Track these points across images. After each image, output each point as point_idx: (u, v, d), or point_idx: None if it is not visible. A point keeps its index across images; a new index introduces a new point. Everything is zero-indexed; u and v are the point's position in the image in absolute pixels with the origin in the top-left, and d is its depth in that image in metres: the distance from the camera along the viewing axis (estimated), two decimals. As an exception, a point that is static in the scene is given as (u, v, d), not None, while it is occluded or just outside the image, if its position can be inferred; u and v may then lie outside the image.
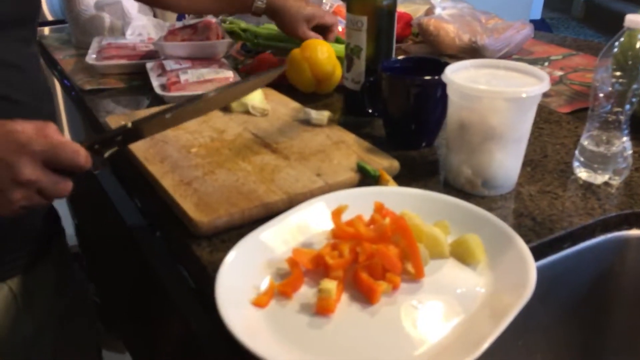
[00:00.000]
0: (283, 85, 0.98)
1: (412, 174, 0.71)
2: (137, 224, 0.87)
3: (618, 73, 0.63)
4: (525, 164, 0.68)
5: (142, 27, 1.18)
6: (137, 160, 0.70)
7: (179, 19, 1.28)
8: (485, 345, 0.42)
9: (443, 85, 0.66)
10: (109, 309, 0.86)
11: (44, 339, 0.76)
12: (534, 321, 0.60)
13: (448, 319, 0.47)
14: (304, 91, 0.97)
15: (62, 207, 1.37)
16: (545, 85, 0.61)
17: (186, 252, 0.60)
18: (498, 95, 0.61)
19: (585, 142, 0.69)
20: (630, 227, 0.63)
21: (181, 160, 0.69)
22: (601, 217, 0.62)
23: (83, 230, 0.88)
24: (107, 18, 1.20)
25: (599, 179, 0.68)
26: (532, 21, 1.17)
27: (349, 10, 0.82)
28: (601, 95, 0.66)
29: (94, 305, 0.87)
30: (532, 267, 0.49)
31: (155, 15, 1.29)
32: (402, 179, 0.69)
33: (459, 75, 0.64)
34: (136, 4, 1.20)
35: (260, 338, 0.46)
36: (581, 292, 0.65)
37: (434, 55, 1.12)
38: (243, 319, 0.47)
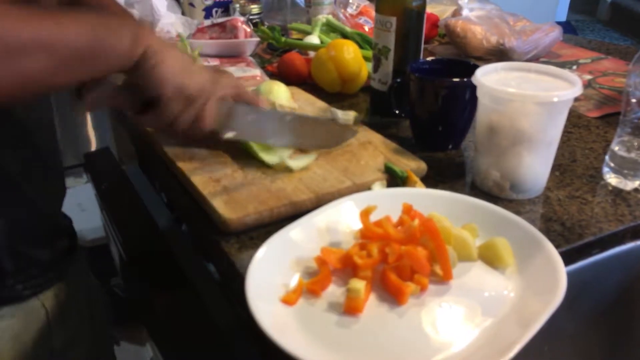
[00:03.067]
0: (308, 85, 0.99)
1: (439, 176, 0.71)
2: (164, 218, 0.88)
3: (652, 78, 0.63)
4: (553, 168, 0.68)
5: (171, 25, 1.19)
6: (166, 156, 0.72)
7: (207, 17, 1.30)
8: (514, 351, 0.42)
9: (472, 88, 0.65)
10: (133, 301, 0.88)
11: (73, 351, 0.75)
12: (560, 327, 0.60)
13: (476, 322, 0.47)
14: (329, 91, 0.97)
15: (90, 201, 1.39)
16: (577, 90, 0.60)
17: (214, 249, 0.61)
18: (529, 98, 0.60)
19: (616, 147, 0.68)
20: (660, 234, 0.63)
21: (210, 158, 0.70)
22: (631, 224, 0.61)
23: (111, 223, 0.89)
24: (136, 15, 1.21)
25: (630, 185, 0.67)
26: (557, 23, 1.16)
27: (378, 10, 0.83)
28: (634, 100, 0.65)
29: (109, 303, 0.87)
30: (562, 272, 0.49)
31: (183, 13, 1.31)
32: (429, 180, 0.69)
33: (489, 78, 0.64)
34: (165, 2, 1.21)
35: (289, 335, 0.46)
36: (609, 299, 0.65)
37: (461, 57, 1.12)
38: (272, 315, 0.47)
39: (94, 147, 2.76)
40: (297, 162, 0.67)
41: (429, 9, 1.29)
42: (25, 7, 0.49)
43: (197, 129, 0.62)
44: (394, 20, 0.81)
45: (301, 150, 0.71)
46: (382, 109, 0.88)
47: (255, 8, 1.31)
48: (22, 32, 0.47)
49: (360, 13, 1.22)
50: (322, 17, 1.18)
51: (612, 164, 0.69)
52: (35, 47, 0.48)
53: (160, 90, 0.56)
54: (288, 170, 0.66)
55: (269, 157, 0.67)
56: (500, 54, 1.08)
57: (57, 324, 0.70)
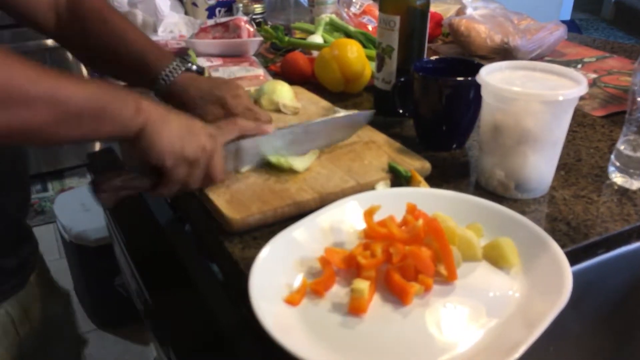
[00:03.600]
0: (311, 84, 0.99)
1: (443, 176, 0.70)
2: (167, 217, 0.88)
3: (658, 77, 0.62)
4: (558, 167, 0.67)
5: (174, 24, 1.19)
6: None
7: (210, 16, 1.30)
8: (520, 352, 0.42)
9: (476, 87, 0.65)
10: (136, 300, 0.88)
11: (45, 355, 0.76)
12: (566, 327, 0.60)
13: (481, 323, 0.47)
14: (333, 90, 0.97)
15: (94, 202, 1.39)
16: (582, 89, 0.60)
17: (218, 248, 0.60)
18: (534, 97, 0.60)
19: (621, 146, 0.68)
20: (667, 234, 0.62)
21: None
22: (637, 224, 0.61)
23: (114, 223, 0.89)
24: (139, 15, 1.21)
25: (635, 184, 0.67)
26: (561, 22, 1.15)
27: (381, 9, 0.82)
28: (639, 99, 0.65)
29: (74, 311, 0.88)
30: (568, 273, 0.49)
31: (186, 13, 1.31)
32: (433, 180, 0.68)
33: (494, 77, 0.64)
34: (168, 1, 1.21)
35: (293, 335, 0.46)
36: (614, 299, 0.64)
37: (465, 56, 1.12)
38: (276, 315, 0.47)
39: (97, 147, 2.77)
40: (301, 163, 0.67)
41: (432, 8, 1.28)
42: (32, 62, 0.50)
43: (211, 183, 0.63)
44: (397, 19, 0.80)
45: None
46: (385, 108, 0.88)
47: (258, 7, 1.31)
48: (30, 85, 0.49)
49: (364, 12, 1.21)
50: (326, 16, 1.17)
51: (617, 163, 0.68)
52: (38, 100, 0.49)
53: (162, 162, 0.57)
54: (293, 171, 0.66)
55: (273, 158, 0.67)
56: (504, 53, 1.08)
57: (25, 331, 0.70)
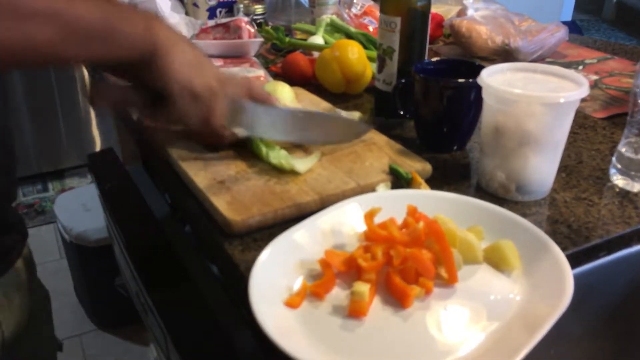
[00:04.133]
0: (312, 85, 0.98)
1: (443, 178, 0.70)
2: (167, 219, 0.88)
3: (660, 79, 0.62)
4: (559, 169, 0.67)
5: (175, 25, 1.19)
6: (170, 157, 0.71)
7: (211, 17, 1.30)
8: (521, 355, 0.42)
9: (477, 88, 0.65)
10: (135, 300, 0.88)
11: (25, 344, 0.75)
12: (567, 330, 0.59)
13: (482, 326, 0.47)
14: (333, 91, 0.97)
15: (95, 202, 1.39)
16: (584, 91, 0.59)
17: (218, 250, 0.60)
18: (535, 99, 0.60)
19: (622, 149, 0.68)
20: (668, 237, 0.62)
21: (214, 159, 0.70)
22: (638, 226, 0.61)
23: (113, 223, 0.89)
24: (140, 15, 1.21)
25: (637, 186, 0.67)
26: (562, 23, 1.15)
27: (382, 10, 0.82)
28: (641, 101, 0.65)
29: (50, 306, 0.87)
30: (569, 276, 0.48)
31: (187, 13, 1.31)
32: (434, 182, 0.68)
33: (495, 79, 0.64)
34: (169, 2, 1.21)
35: (293, 338, 0.46)
36: (615, 302, 0.64)
37: (466, 57, 1.11)
38: (275, 318, 0.47)
39: (98, 147, 2.77)
40: (303, 164, 0.66)
41: (433, 9, 1.28)
42: None
43: (207, 126, 0.62)
44: (398, 20, 0.80)
45: (305, 150, 0.71)
46: (386, 109, 0.88)
47: (259, 8, 1.31)
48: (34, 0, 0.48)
49: (365, 13, 1.21)
50: (327, 17, 1.17)
51: (619, 166, 0.68)
52: (45, 15, 0.48)
53: (168, 87, 0.56)
54: (295, 173, 0.66)
55: (275, 159, 0.67)
56: (505, 54, 1.08)
57: (5, 315, 0.70)
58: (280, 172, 0.66)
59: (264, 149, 0.68)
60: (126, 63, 0.57)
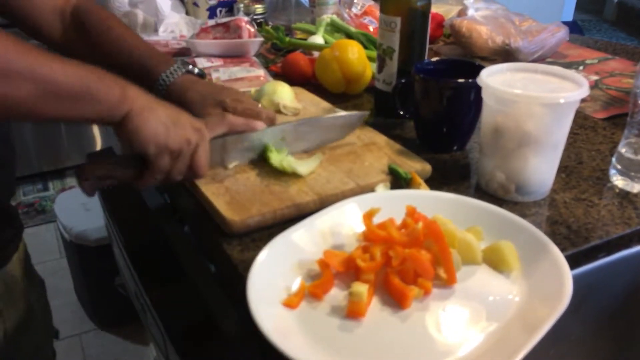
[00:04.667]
0: (312, 85, 0.98)
1: (443, 178, 0.70)
2: (166, 218, 0.88)
3: (660, 79, 0.62)
4: (559, 170, 0.67)
5: (175, 24, 1.19)
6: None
7: (211, 16, 1.30)
8: (520, 356, 0.42)
9: (477, 89, 0.65)
10: (134, 300, 0.88)
11: (26, 335, 0.77)
12: (566, 330, 0.59)
13: (481, 327, 0.47)
14: (333, 91, 0.97)
15: (94, 201, 1.39)
16: (584, 91, 0.59)
17: (217, 250, 0.60)
18: (535, 100, 0.60)
19: (622, 149, 0.67)
20: (668, 238, 0.62)
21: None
22: (638, 227, 0.61)
23: (113, 223, 0.89)
24: (140, 14, 1.21)
25: (637, 187, 0.66)
26: (563, 23, 1.15)
27: (382, 10, 0.82)
28: (641, 102, 0.64)
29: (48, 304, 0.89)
30: (568, 277, 0.48)
31: (187, 13, 1.31)
32: (433, 182, 0.68)
33: (494, 79, 0.63)
34: (169, 1, 1.21)
35: (291, 339, 0.46)
36: (615, 302, 0.64)
37: (466, 57, 1.11)
38: (274, 318, 0.47)
39: (98, 146, 2.77)
40: (304, 167, 0.66)
41: (434, 9, 1.28)
42: (19, 39, 0.51)
43: (195, 176, 0.63)
44: (398, 20, 0.80)
45: (306, 152, 0.71)
46: (386, 109, 0.88)
47: (259, 8, 1.31)
48: (12, 59, 0.50)
49: (365, 13, 1.21)
50: (327, 17, 1.17)
51: (619, 166, 0.68)
52: (24, 76, 0.50)
53: (145, 151, 0.58)
54: (297, 176, 0.65)
55: (277, 162, 0.66)
56: (505, 54, 1.07)
57: (7, 306, 0.71)
58: (279, 172, 0.66)
59: (266, 152, 0.68)
60: (103, 124, 0.59)
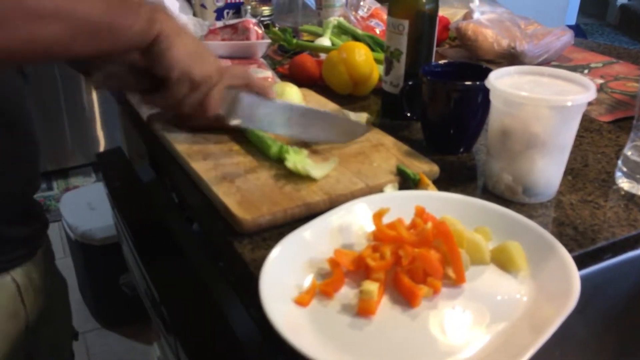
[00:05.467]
0: (318, 86, 0.99)
1: (450, 179, 0.71)
2: (175, 217, 0.89)
3: (666, 83, 0.63)
4: (565, 172, 0.67)
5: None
6: (179, 156, 0.72)
7: (218, 18, 1.30)
8: (527, 356, 0.42)
9: (484, 91, 0.66)
10: (145, 299, 0.89)
11: (48, 327, 0.78)
12: (572, 331, 0.60)
13: (489, 326, 0.48)
14: (340, 93, 0.97)
15: (100, 200, 1.39)
16: (591, 94, 0.60)
17: (227, 248, 0.61)
18: (542, 102, 0.60)
19: (629, 152, 0.68)
20: (673, 240, 0.62)
21: (223, 158, 0.70)
22: (644, 229, 0.61)
23: (122, 222, 0.90)
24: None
25: (642, 190, 0.67)
26: (567, 27, 1.16)
27: (390, 13, 0.83)
28: (647, 105, 0.65)
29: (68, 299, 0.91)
30: (576, 278, 0.49)
31: (194, 14, 1.31)
32: (441, 183, 0.69)
33: (502, 82, 0.64)
34: (177, 2, 1.22)
35: (303, 335, 0.46)
36: (620, 304, 0.65)
37: (472, 60, 1.12)
38: (286, 315, 0.48)
39: (102, 147, 2.78)
40: (319, 171, 0.66)
41: (439, 12, 1.29)
42: None
43: (202, 113, 0.65)
44: (406, 23, 0.81)
45: (318, 154, 0.72)
46: (393, 111, 0.88)
47: (266, 10, 1.31)
48: (40, 1, 0.50)
49: (371, 15, 1.22)
50: (334, 19, 1.18)
51: (624, 169, 0.68)
52: (53, 16, 0.51)
53: (168, 73, 0.59)
54: (311, 178, 0.65)
55: (291, 164, 0.66)
56: (511, 58, 1.08)
57: (30, 299, 0.73)
58: (289, 172, 0.67)
59: (283, 153, 0.68)
60: (134, 49, 0.60)
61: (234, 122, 0.70)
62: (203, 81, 0.61)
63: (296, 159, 0.66)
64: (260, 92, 0.71)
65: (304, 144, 0.74)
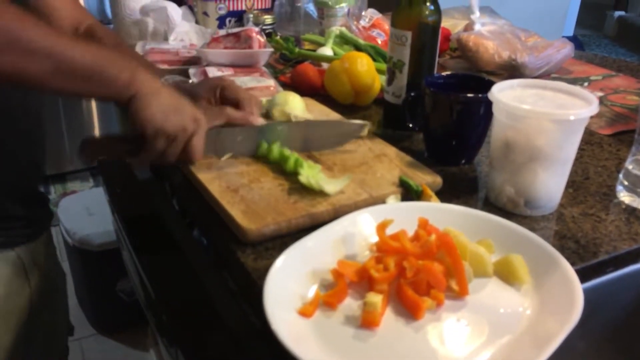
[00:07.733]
0: (320, 96, 1.00)
1: (452, 191, 0.71)
2: (176, 224, 0.88)
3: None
4: (567, 185, 0.68)
5: (185, 33, 1.20)
6: (184, 165, 0.72)
7: (220, 26, 1.31)
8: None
9: (486, 103, 0.66)
10: (145, 307, 0.88)
11: (51, 305, 0.82)
12: (572, 345, 0.60)
13: (492, 339, 0.48)
14: (342, 102, 0.98)
15: (98, 206, 1.39)
16: (593, 109, 0.61)
17: (231, 258, 0.61)
18: (545, 116, 0.61)
19: (630, 166, 0.69)
20: (674, 254, 0.63)
21: (227, 167, 0.71)
22: (645, 243, 0.62)
23: (122, 228, 0.90)
24: (150, 23, 1.23)
25: (643, 204, 0.68)
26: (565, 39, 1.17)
27: (393, 24, 0.83)
28: (649, 120, 0.66)
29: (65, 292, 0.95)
30: (579, 292, 0.49)
31: (197, 22, 1.32)
32: (442, 195, 0.69)
33: (505, 95, 0.65)
34: (180, 11, 1.23)
35: (306, 346, 0.46)
36: (621, 317, 0.65)
37: (472, 71, 1.13)
38: (289, 326, 0.48)
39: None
40: (332, 186, 0.65)
41: (441, 23, 1.30)
42: (44, 23, 0.58)
43: (190, 161, 0.69)
44: (409, 34, 0.81)
45: (331, 170, 0.72)
46: (395, 122, 0.89)
47: (268, 18, 1.32)
48: (34, 39, 0.55)
49: (373, 26, 1.23)
50: (336, 28, 1.19)
51: (626, 182, 0.69)
52: (42, 54, 0.56)
53: (143, 131, 0.64)
54: (324, 194, 0.64)
55: (304, 179, 0.65)
56: (511, 69, 1.09)
57: (34, 278, 0.77)
58: (294, 182, 0.67)
59: (297, 167, 0.68)
60: (110, 101, 0.65)
61: (226, 157, 0.73)
62: (178, 134, 0.65)
63: (309, 174, 0.66)
64: (243, 122, 0.75)
65: (308, 156, 0.74)
